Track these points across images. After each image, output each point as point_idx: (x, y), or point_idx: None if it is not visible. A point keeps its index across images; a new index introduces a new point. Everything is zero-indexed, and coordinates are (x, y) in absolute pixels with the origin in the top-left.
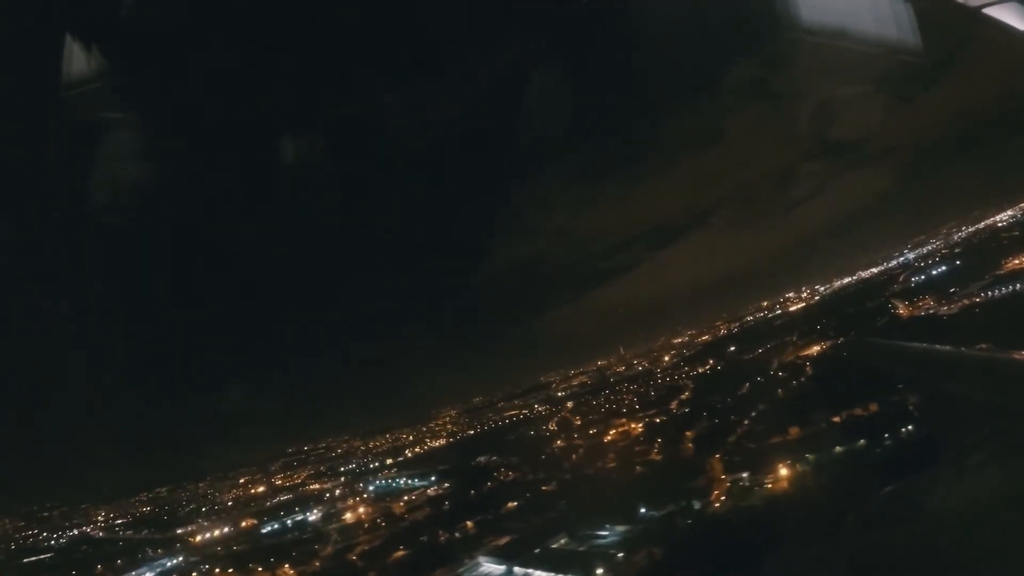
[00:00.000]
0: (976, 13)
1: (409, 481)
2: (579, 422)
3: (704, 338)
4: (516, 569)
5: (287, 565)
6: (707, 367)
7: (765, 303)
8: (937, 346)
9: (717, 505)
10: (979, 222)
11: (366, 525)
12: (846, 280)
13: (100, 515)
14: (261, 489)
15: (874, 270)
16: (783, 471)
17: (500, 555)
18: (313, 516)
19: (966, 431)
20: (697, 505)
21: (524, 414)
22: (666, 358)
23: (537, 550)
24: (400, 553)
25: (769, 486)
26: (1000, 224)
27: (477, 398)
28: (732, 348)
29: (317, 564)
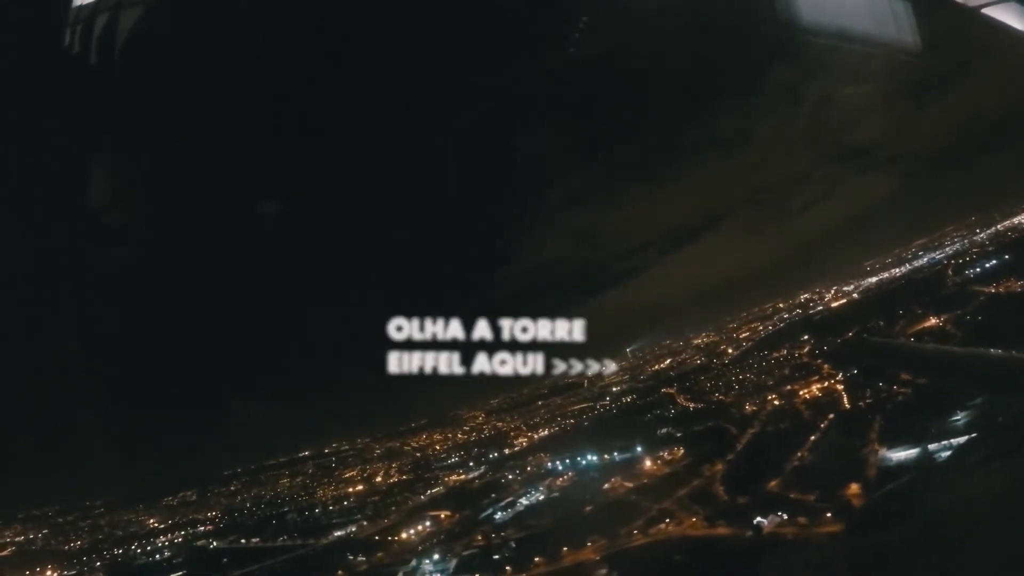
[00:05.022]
0: (988, 19)
1: (588, 459)
2: (723, 398)
3: (744, 334)
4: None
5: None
6: (803, 352)
7: (792, 300)
8: (937, 346)
9: None
10: (992, 225)
11: (626, 499)
12: (871, 280)
13: (151, 521)
14: (360, 488)
15: (894, 272)
16: None
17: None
18: (529, 501)
19: (966, 431)
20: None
21: (596, 408)
22: (729, 350)
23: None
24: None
25: None
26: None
27: (495, 400)
28: (806, 336)
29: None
